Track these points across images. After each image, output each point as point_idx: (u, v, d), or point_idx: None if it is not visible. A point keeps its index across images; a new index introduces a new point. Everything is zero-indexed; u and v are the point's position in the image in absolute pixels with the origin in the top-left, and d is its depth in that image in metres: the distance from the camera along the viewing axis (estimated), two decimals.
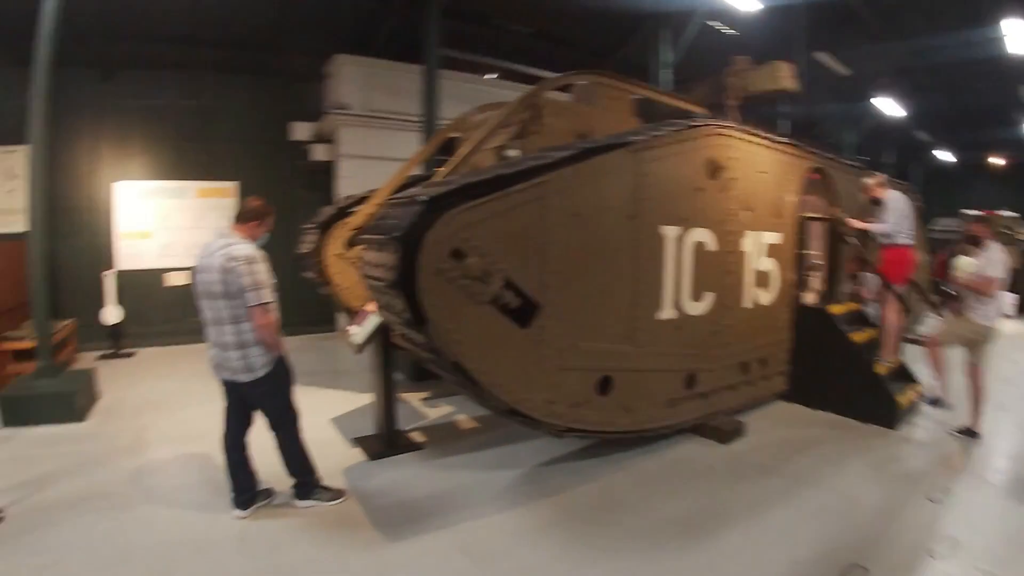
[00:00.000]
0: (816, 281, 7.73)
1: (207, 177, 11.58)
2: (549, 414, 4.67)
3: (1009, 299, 16.19)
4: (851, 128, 21.07)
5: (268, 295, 4.22)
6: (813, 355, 7.11)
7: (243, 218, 4.45)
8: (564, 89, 6.50)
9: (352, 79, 11.30)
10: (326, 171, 11.82)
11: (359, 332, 5.53)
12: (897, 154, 26.63)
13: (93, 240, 10.90)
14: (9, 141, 9.68)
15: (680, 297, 5.56)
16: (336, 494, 4.80)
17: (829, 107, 19.12)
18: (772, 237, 6.72)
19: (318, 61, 11.85)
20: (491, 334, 4.27)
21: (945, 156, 26.09)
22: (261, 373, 4.33)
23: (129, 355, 10.46)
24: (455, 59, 12.40)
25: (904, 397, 6.71)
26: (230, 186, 11.67)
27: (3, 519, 4.44)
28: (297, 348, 10.22)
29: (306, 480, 4.72)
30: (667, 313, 5.46)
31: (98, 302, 10.31)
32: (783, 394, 7.28)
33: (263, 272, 4.22)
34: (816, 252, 7.68)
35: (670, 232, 5.39)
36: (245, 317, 4.23)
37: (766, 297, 6.71)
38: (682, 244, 5.51)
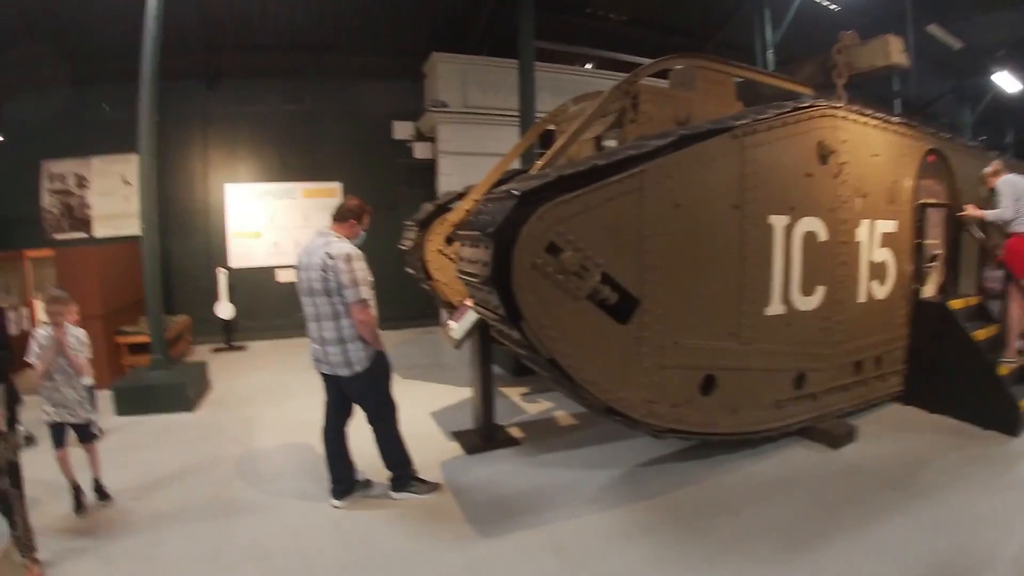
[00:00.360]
0: (936, 273, 7.16)
1: (312, 178, 12.04)
2: (648, 414, 4.49)
3: None
4: (967, 106, 19.64)
5: (367, 292, 4.30)
6: (931, 354, 6.58)
7: (341, 217, 4.58)
8: (662, 75, 6.27)
9: (448, 77, 11.43)
10: (429, 168, 12.03)
11: (458, 328, 5.53)
12: (1018, 132, 24.68)
13: (207, 240, 11.52)
14: (126, 150, 10.29)
15: (789, 291, 5.24)
16: (431, 487, 4.84)
17: (943, 84, 17.90)
18: (887, 225, 6.25)
19: (417, 60, 12.05)
20: (588, 330, 4.15)
21: None
22: (360, 368, 4.42)
23: (241, 348, 10.99)
24: (551, 51, 12.34)
25: None
26: (335, 186, 12.06)
27: (112, 499, 4.74)
28: (402, 341, 10.63)
29: (402, 472, 4.79)
30: (775, 308, 5.15)
31: (212, 299, 10.90)
32: (899, 395, 6.78)
33: (362, 269, 4.30)
34: (935, 241, 7.12)
35: (778, 222, 5.08)
36: (345, 313, 4.33)
37: (881, 291, 6.25)
38: (791, 234, 5.18)
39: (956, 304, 6.70)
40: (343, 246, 4.32)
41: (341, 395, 4.65)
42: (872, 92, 13.76)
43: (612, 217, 4.11)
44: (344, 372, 4.43)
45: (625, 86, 5.27)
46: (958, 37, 14.64)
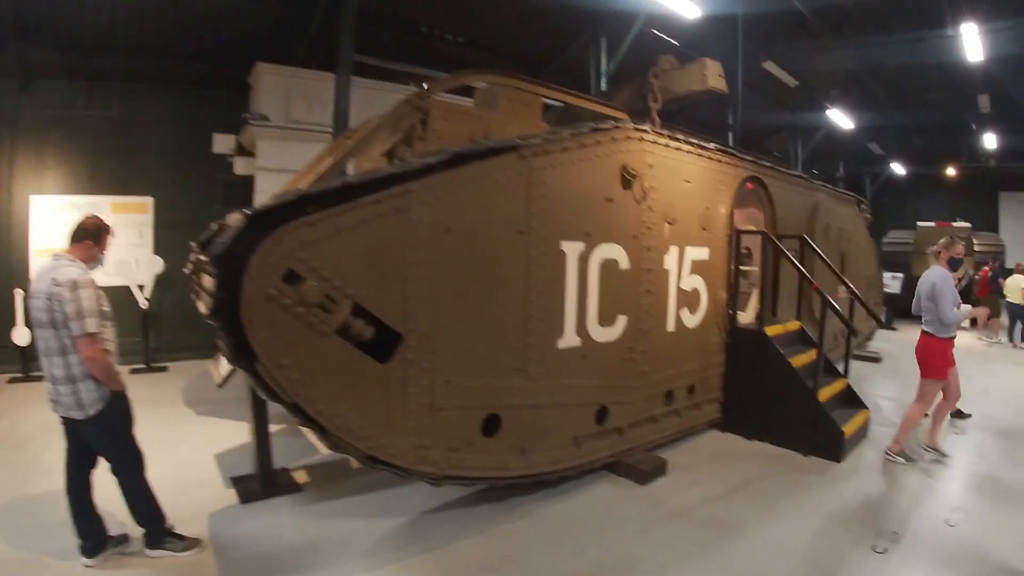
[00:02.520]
0: (753, 300, 7.21)
1: (123, 192, 10.94)
2: (419, 461, 4.07)
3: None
4: (801, 140, 20.87)
5: (95, 324, 3.77)
6: (749, 380, 6.58)
7: (76, 238, 4.06)
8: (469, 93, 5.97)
9: (272, 89, 10.69)
10: (249, 185, 11.18)
11: (224, 363, 4.93)
12: (849, 166, 26.64)
13: (7, 257, 10.21)
14: None
15: (585, 322, 4.98)
16: (190, 543, 4.29)
17: (779, 118, 18.87)
18: (699, 252, 6.20)
19: (243, 69, 11.25)
20: (340, 371, 3.71)
21: (898, 168, 26.15)
22: (92, 411, 3.92)
23: (40, 378, 9.75)
24: (388, 69, 11.87)
25: (850, 426, 6.21)
26: (146, 201, 11.02)
27: None
28: (205, 373, 9.71)
29: (155, 527, 4.25)
30: (569, 340, 4.87)
31: (9, 323, 9.62)
32: (717, 423, 6.73)
33: (89, 298, 3.77)
34: (753, 268, 7.17)
35: (572, 248, 4.81)
36: (73, 348, 3.81)
37: (693, 319, 6.17)
38: (587, 262, 4.93)
39: (774, 330, 6.73)
40: (71, 271, 3.77)
41: (81, 441, 4.07)
42: (708, 124, 14.23)
43: (368, 241, 3.70)
44: (77, 415, 3.89)
45: (416, 100, 4.89)
46: (795, 75, 15.38)
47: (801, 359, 6.60)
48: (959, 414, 7.44)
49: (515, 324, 4.48)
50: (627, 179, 5.20)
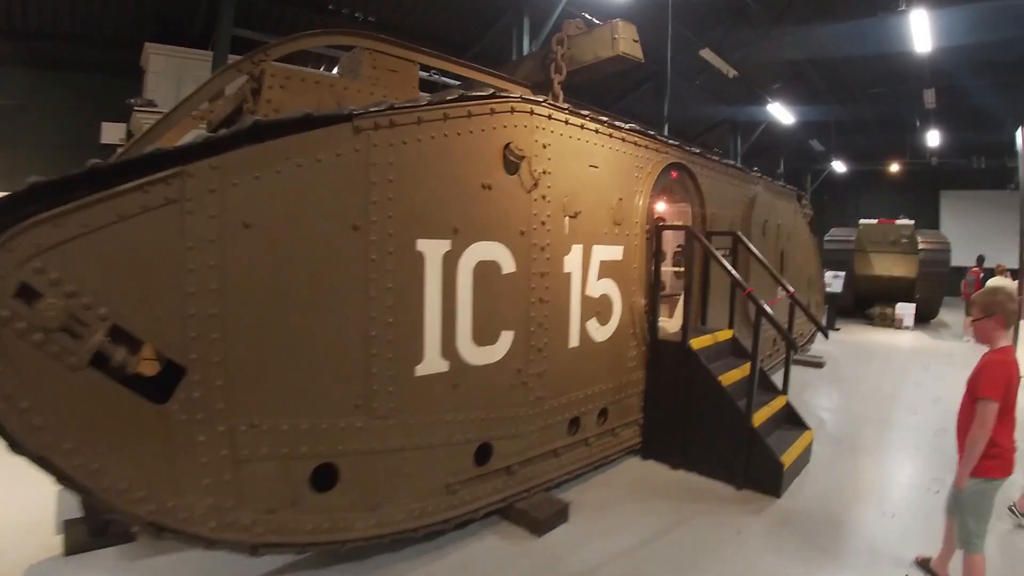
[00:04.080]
0: (676, 306, 6.31)
1: (5, 187, 9.70)
2: (223, 527, 3.07)
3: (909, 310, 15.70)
4: (741, 135, 20.40)
5: None
6: (673, 401, 5.68)
7: None
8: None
9: (161, 71, 9.71)
10: None
11: None
12: (790, 163, 26.42)
13: None
14: None
15: (455, 342, 3.99)
16: None
17: (718, 111, 18.33)
18: (610, 252, 5.26)
19: (135, 53, 10.18)
20: (101, 414, 2.75)
21: (840, 165, 25.97)
22: None
23: None
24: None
25: (790, 453, 5.35)
26: None
27: None
28: None
29: None
30: (432, 366, 3.87)
31: None
32: (637, 449, 5.83)
33: None
34: (678, 269, 6.29)
35: (433, 248, 3.81)
36: None
37: (603, 331, 5.24)
38: (455, 265, 3.95)
39: (702, 342, 5.87)
40: None
41: None
42: (645, 117, 13.50)
43: (129, 243, 2.74)
44: None
45: (247, 65, 3.87)
46: (735, 66, 14.71)
47: (734, 375, 5.74)
48: None
49: (352, 348, 3.46)
50: (511, 161, 4.22)
